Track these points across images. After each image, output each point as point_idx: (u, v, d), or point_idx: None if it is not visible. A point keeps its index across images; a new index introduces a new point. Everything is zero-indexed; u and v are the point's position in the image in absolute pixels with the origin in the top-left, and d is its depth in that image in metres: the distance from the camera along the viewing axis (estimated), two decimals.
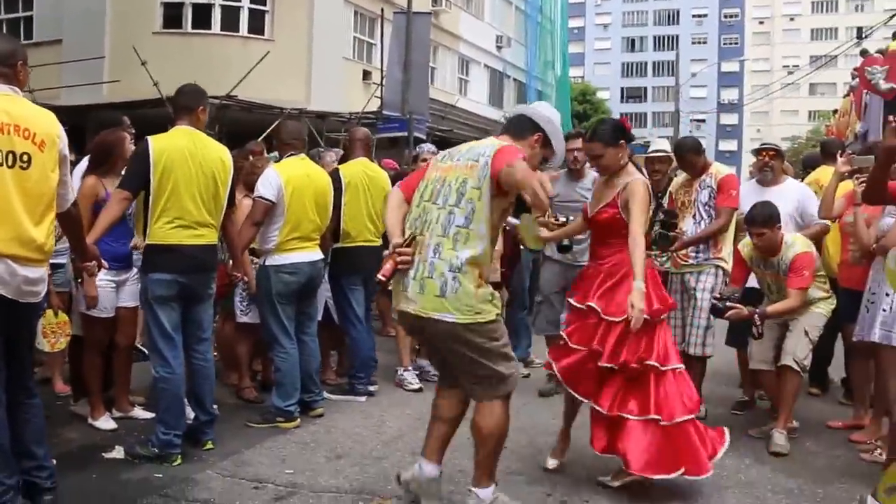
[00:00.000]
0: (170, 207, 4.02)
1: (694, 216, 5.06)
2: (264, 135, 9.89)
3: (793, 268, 4.56)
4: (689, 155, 5.09)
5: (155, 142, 4.06)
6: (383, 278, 3.23)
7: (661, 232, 5.00)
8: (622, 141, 3.94)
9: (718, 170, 5.12)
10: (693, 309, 4.97)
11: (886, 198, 3.63)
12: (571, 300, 4.03)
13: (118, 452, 4.14)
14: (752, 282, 4.97)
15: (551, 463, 4.13)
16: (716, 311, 4.62)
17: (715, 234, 4.98)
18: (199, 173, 4.08)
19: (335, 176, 5.39)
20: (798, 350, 4.57)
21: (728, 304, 4.55)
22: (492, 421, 3.27)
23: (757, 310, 4.55)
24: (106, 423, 4.57)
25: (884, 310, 4.30)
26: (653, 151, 5.68)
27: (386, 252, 3.35)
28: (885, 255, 3.93)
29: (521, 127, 3.42)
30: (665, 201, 5.35)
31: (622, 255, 3.86)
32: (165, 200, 4.01)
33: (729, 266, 4.98)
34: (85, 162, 4.78)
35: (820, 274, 4.77)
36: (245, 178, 5.21)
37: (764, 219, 4.56)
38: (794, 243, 4.61)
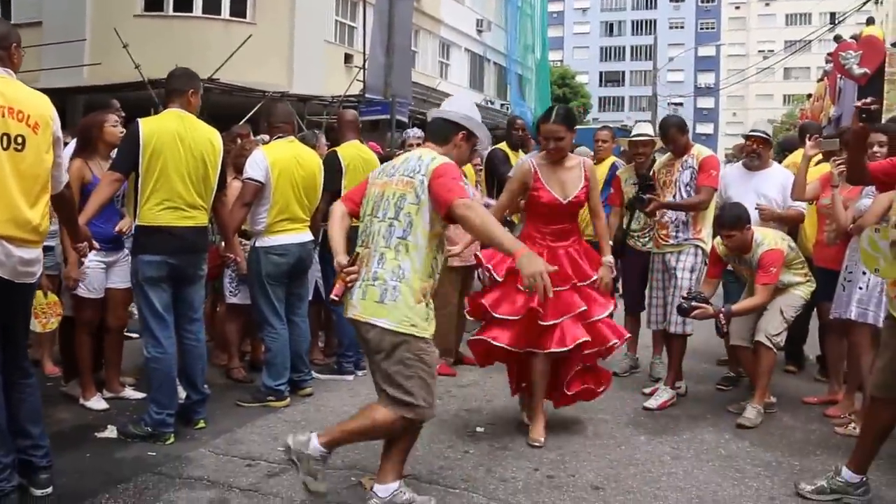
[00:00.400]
0: (159, 189, 4.05)
1: (674, 196, 5.16)
2: (247, 117, 9.87)
3: (760, 265, 4.67)
4: (672, 131, 5.18)
5: (145, 124, 4.08)
6: (336, 298, 3.31)
7: (637, 195, 5.14)
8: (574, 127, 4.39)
9: (700, 151, 5.22)
10: (674, 288, 5.08)
11: (867, 178, 3.72)
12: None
13: (111, 432, 4.19)
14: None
15: (537, 441, 4.24)
16: (681, 311, 4.72)
17: (694, 208, 5.07)
18: (188, 156, 4.11)
19: (334, 158, 5.43)
20: (770, 327, 4.69)
21: (693, 303, 4.64)
22: (373, 415, 3.25)
23: (722, 309, 4.66)
24: (97, 403, 4.61)
25: (860, 288, 4.46)
26: (637, 135, 5.78)
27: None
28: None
29: (442, 132, 3.46)
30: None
31: (577, 231, 4.48)
32: (154, 182, 4.04)
33: (708, 247, 5.08)
34: (73, 145, 4.78)
35: (797, 261, 4.88)
36: (234, 160, 5.24)
37: (732, 221, 4.68)
38: (763, 241, 4.72)
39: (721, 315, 4.63)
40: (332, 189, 5.20)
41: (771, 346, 4.68)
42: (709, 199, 5.09)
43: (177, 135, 4.09)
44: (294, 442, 3.27)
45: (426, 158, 3.30)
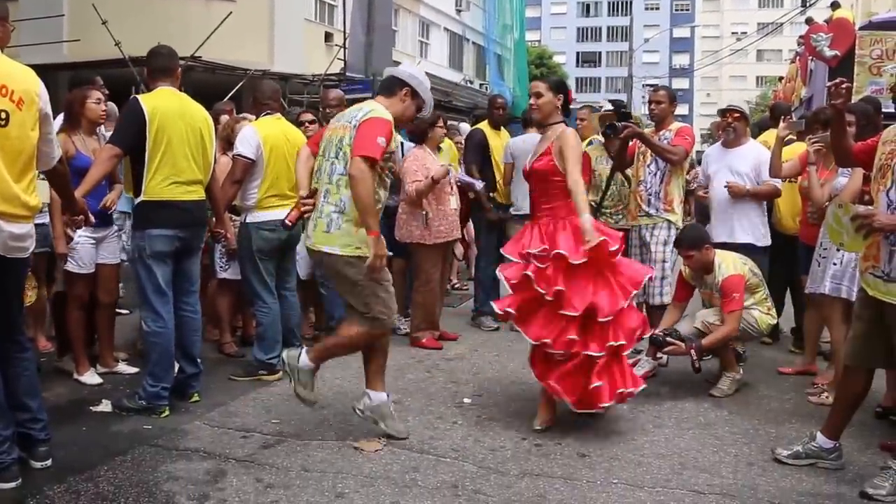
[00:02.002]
0: (164, 165, 4.09)
1: (649, 165, 5.33)
2: (230, 95, 9.83)
3: (723, 292, 4.76)
4: (662, 92, 5.43)
5: (146, 101, 4.10)
6: (289, 223, 3.96)
7: (612, 123, 5.34)
8: (560, 95, 4.15)
9: (678, 124, 5.45)
10: (650, 262, 5.27)
11: (852, 159, 3.78)
12: (518, 253, 4.10)
13: (105, 406, 4.23)
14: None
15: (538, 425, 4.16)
16: (655, 343, 4.84)
17: (664, 154, 5.20)
18: (188, 132, 4.16)
19: None
20: (711, 318, 4.85)
21: (667, 339, 4.72)
22: (346, 332, 3.85)
23: (693, 345, 4.70)
24: (91, 378, 4.66)
25: (834, 264, 4.62)
26: (606, 111, 6.06)
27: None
28: None
29: (390, 85, 3.93)
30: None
31: (562, 205, 4.04)
32: (160, 158, 4.07)
33: (679, 222, 5.26)
34: (60, 120, 4.77)
35: (760, 289, 4.95)
36: (225, 136, 5.30)
37: (690, 242, 4.82)
38: (722, 265, 4.82)
39: (693, 351, 4.65)
40: None
41: (707, 331, 4.82)
42: (680, 155, 5.22)
43: (177, 112, 4.13)
44: (287, 356, 3.90)
45: (366, 108, 3.78)
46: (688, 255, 4.83)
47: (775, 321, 5.11)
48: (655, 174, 5.30)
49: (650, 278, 5.22)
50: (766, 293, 5.01)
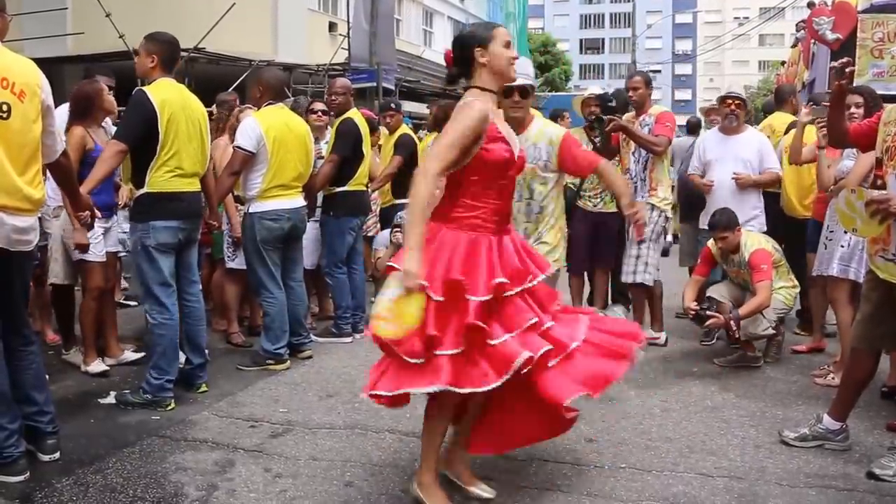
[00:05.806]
0: (171, 157, 4.08)
1: (633, 153, 5.40)
2: (234, 86, 9.81)
3: (752, 265, 4.88)
4: (637, 79, 5.46)
5: (154, 94, 4.06)
6: None
7: (598, 116, 5.42)
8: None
9: (657, 109, 5.46)
10: (628, 241, 5.35)
11: (847, 140, 3.77)
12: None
13: (113, 398, 4.22)
14: None
15: None
16: (698, 320, 4.92)
17: (648, 145, 5.25)
18: (189, 124, 4.15)
19: (352, 126, 5.49)
20: (752, 328, 4.90)
21: (708, 313, 4.83)
22: None
23: (731, 314, 4.80)
24: (98, 366, 4.66)
25: (842, 246, 4.61)
26: (589, 94, 6.08)
27: None
28: None
29: None
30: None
31: None
32: (168, 150, 4.06)
33: (663, 205, 5.33)
34: (62, 112, 4.76)
35: (781, 263, 5.08)
36: (231, 125, 5.33)
37: (725, 224, 4.95)
38: (747, 242, 4.97)
39: (731, 322, 4.75)
40: (344, 154, 5.42)
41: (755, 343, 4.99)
42: (663, 146, 5.26)
43: (181, 104, 4.12)
44: None
45: None
46: (723, 237, 4.97)
47: (798, 288, 5.18)
48: (639, 161, 5.39)
49: (624, 255, 5.37)
50: (787, 266, 5.14)
